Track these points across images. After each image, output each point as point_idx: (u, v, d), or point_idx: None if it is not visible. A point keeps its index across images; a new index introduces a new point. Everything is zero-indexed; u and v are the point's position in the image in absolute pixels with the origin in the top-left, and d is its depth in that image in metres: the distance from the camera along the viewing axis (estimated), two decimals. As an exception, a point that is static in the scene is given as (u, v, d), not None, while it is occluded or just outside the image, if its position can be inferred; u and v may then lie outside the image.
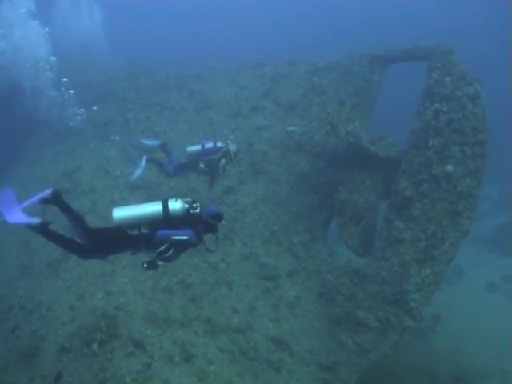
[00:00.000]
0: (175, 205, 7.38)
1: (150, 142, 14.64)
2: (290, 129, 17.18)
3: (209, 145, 13.38)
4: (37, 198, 7.08)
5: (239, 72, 21.12)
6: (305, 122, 17.50)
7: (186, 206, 7.49)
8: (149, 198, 14.76)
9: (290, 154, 16.87)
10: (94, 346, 10.44)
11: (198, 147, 13.42)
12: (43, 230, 7.01)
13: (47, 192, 7.15)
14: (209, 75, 20.76)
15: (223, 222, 7.75)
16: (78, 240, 7.39)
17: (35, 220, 6.93)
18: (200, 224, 7.49)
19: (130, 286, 12.31)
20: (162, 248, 7.32)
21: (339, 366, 11.99)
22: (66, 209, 7.28)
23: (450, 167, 13.03)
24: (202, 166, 13.32)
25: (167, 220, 7.37)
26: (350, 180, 15.21)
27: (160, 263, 7.51)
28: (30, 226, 6.91)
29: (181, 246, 7.41)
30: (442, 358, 16.01)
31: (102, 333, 10.63)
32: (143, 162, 13.97)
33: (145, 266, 7.45)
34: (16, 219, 6.80)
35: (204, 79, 21.03)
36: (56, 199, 7.21)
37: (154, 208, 7.40)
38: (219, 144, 13.40)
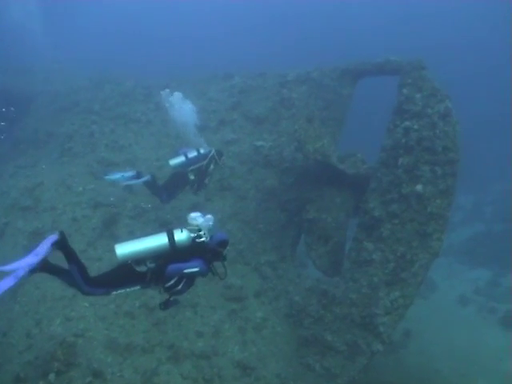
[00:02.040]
0: (181, 235, 7.21)
1: (119, 175, 13.07)
2: (259, 143, 16.86)
3: (192, 153, 12.97)
4: (45, 247, 6.72)
5: (208, 83, 20.70)
6: (273, 136, 17.20)
7: (192, 235, 7.32)
8: (112, 217, 14.59)
9: (258, 170, 16.57)
10: (51, 376, 10.00)
11: (181, 158, 12.90)
12: (46, 267, 6.74)
13: (52, 238, 6.85)
14: (176, 86, 20.36)
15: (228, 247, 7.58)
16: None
17: (35, 259, 6.59)
18: (207, 252, 7.33)
19: (90, 310, 11.86)
20: (172, 282, 7.13)
21: (307, 391, 11.76)
22: (71, 254, 7.06)
23: (419, 187, 12.80)
24: (192, 177, 12.92)
25: (174, 251, 7.15)
26: (319, 198, 14.95)
27: (173, 299, 7.36)
28: (32, 269, 6.52)
29: (191, 278, 7.23)
30: (412, 374, 15.82)
31: (58, 362, 10.17)
32: (143, 179, 12.89)
33: (162, 307, 7.41)
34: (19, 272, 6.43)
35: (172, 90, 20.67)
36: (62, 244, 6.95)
37: (159, 241, 7.20)
38: (202, 150, 13.12)
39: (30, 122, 20.55)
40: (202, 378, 11.07)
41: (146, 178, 12.85)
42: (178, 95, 14.66)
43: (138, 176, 12.92)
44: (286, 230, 15.57)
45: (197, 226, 7.57)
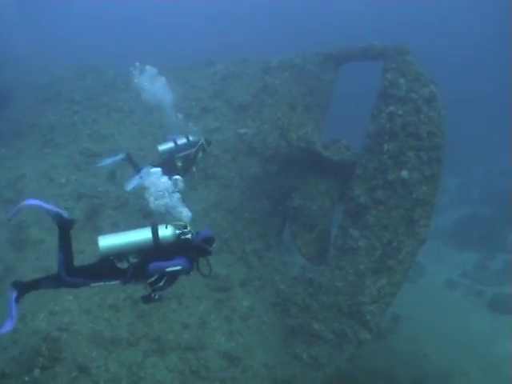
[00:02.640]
0: (166, 232, 7.07)
1: (110, 161, 13.09)
2: (242, 131, 16.75)
3: (181, 140, 12.77)
4: (53, 210, 7.11)
5: (190, 71, 20.50)
6: (257, 123, 17.07)
7: (177, 231, 7.15)
8: (95, 209, 14.42)
9: (242, 158, 16.47)
10: (36, 372, 9.85)
11: (170, 144, 12.66)
12: (23, 288, 6.87)
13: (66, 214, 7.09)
14: (158, 73, 20.20)
15: (214, 245, 7.40)
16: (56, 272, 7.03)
17: (13, 294, 6.78)
18: (192, 249, 7.16)
19: (74, 303, 11.71)
20: (153, 278, 6.96)
21: (295, 380, 11.73)
22: (68, 240, 7.07)
23: (405, 173, 12.72)
24: (179, 163, 12.59)
25: (157, 247, 7.01)
26: (304, 185, 14.83)
27: (157, 296, 7.17)
28: (17, 299, 6.75)
29: (174, 276, 7.04)
30: (401, 360, 15.80)
31: (43, 358, 10.04)
32: (119, 157, 12.81)
33: (144, 301, 7.25)
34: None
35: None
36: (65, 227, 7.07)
37: (142, 236, 7.04)
38: (191, 138, 12.94)
39: (12, 113, 20.23)
40: (189, 370, 10.97)
41: (121, 155, 12.78)
42: (150, 70, 14.43)
43: (128, 158, 12.83)
44: (270, 218, 15.50)
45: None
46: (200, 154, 12.97)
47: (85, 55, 23.83)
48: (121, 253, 7.02)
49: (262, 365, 11.88)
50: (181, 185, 12.05)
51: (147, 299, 7.22)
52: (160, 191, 8.66)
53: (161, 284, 6.98)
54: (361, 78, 29.92)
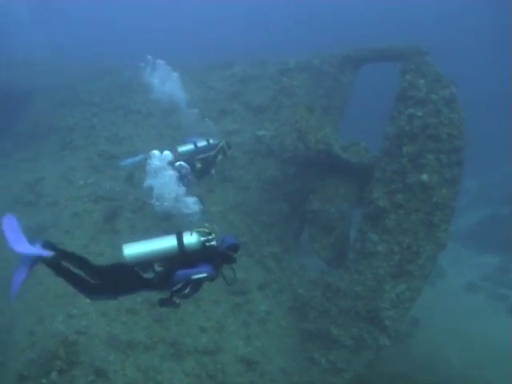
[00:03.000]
0: (191, 239, 6.98)
1: (131, 160, 13.36)
2: (260, 133, 16.68)
3: (202, 143, 12.85)
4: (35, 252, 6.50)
5: (208, 72, 20.48)
6: (275, 125, 17.00)
7: (202, 238, 7.06)
8: (113, 211, 14.43)
9: (260, 160, 16.41)
10: (53, 374, 9.88)
11: (190, 146, 12.72)
12: (55, 264, 6.61)
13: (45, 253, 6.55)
14: (178, 76, 20.19)
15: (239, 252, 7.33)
16: (88, 279, 6.94)
17: (47, 252, 6.49)
18: (217, 256, 7.10)
19: (92, 307, 11.70)
20: (179, 286, 6.88)
21: (313, 386, 11.63)
22: (65, 272, 6.81)
23: (425, 176, 12.59)
24: (198, 165, 12.67)
25: (182, 255, 6.94)
26: (322, 188, 14.74)
27: (178, 301, 7.10)
28: (41, 258, 6.43)
29: (199, 283, 7.03)
30: (421, 364, 15.58)
31: (61, 361, 10.06)
32: (140, 157, 12.88)
33: (161, 303, 7.11)
34: (26, 249, 6.37)
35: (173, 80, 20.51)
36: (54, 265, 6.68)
37: (167, 243, 6.96)
38: (212, 141, 13.02)
39: (31, 115, 20.36)
40: (206, 375, 10.93)
41: (142, 155, 12.74)
42: (161, 64, 14.49)
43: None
44: (288, 221, 15.42)
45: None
46: (220, 157, 13.05)
47: (100, 56, 23.89)
48: (146, 261, 6.95)
49: (279, 369, 11.79)
50: (184, 171, 12.15)
51: (166, 303, 7.16)
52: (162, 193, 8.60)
53: (186, 291, 6.92)
54: (378, 78, 29.64)
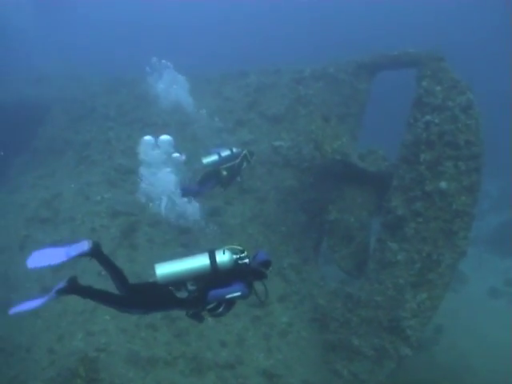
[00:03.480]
0: (223, 257, 6.86)
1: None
2: (277, 144, 16.60)
3: (225, 152, 13.23)
4: (74, 252, 6.58)
5: (223, 82, 20.45)
6: (291, 135, 16.89)
7: (235, 256, 6.97)
8: (132, 226, 14.41)
9: (277, 171, 16.32)
10: (74, 393, 9.86)
11: (214, 157, 13.13)
12: (73, 288, 6.60)
13: (86, 246, 6.64)
14: (192, 86, 20.18)
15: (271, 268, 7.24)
16: (116, 292, 6.95)
17: (61, 283, 6.51)
18: (249, 273, 7.00)
19: (111, 323, 11.66)
20: (212, 305, 6.87)
21: (335, 398, 11.52)
22: (106, 263, 6.88)
23: (443, 184, 12.45)
24: (224, 173, 13.09)
25: (215, 273, 6.86)
26: (340, 198, 14.66)
27: (209, 318, 7.16)
28: (59, 292, 6.47)
29: (232, 302, 6.95)
30: (444, 371, 15.46)
31: (81, 379, 10.02)
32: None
33: (189, 314, 7.11)
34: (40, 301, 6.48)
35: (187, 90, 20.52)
36: (96, 253, 6.75)
37: (200, 262, 6.88)
38: (235, 150, 13.41)
39: (48, 130, 20.44)
40: (227, 389, 10.86)
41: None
42: (167, 66, 14.68)
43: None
44: (307, 231, 15.31)
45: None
46: (244, 165, 13.43)
47: (114, 67, 23.96)
48: (178, 280, 6.90)
49: (301, 382, 11.66)
50: (179, 161, 12.32)
51: (195, 316, 7.13)
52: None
53: (220, 310, 6.89)
54: (394, 84, 29.41)
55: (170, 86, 14.89)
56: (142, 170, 12.66)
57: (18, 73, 24.04)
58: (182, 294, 6.91)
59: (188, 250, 13.85)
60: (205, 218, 14.89)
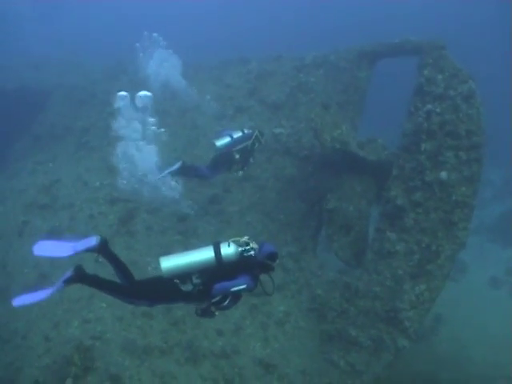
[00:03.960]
0: (228, 250, 6.88)
1: (168, 172, 13.37)
2: (277, 131, 16.50)
3: (237, 134, 13.24)
4: (82, 246, 6.68)
5: (224, 68, 20.36)
6: (292, 122, 16.77)
7: (240, 249, 6.96)
8: (130, 213, 14.33)
9: (277, 158, 16.20)
10: (68, 381, 9.75)
11: (226, 139, 13.12)
12: (80, 277, 6.63)
13: (93, 241, 6.71)
14: (193, 73, 19.99)
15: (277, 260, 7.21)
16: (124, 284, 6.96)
17: (68, 273, 6.56)
18: (255, 266, 6.99)
19: (108, 311, 11.59)
20: (218, 298, 6.86)
21: (332, 388, 11.45)
22: (112, 259, 6.92)
23: (443, 174, 12.33)
24: (237, 156, 13.13)
25: (220, 266, 6.84)
26: (339, 186, 14.51)
27: (216, 312, 7.09)
28: (66, 281, 6.53)
29: (238, 295, 7.00)
30: (443, 362, 15.44)
31: (76, 367, 9.97)
32: (176, 166, 13.18)
33: (199, 313, 7.12)
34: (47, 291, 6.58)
35: (188, 78, 20.36)
36: (103, 249, 6.79)
37: (205, 255, 6.89)
38: (246, 131, 13.43)
39: (48, 116, 20.38)
40: (223, 379, 10.78)
41: (178, 164, 13.09)
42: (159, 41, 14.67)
43: (184, 165, 13.20)
44: (306, 220, 15.18)
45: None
46: (256, 145, 13.48)
47: (115, 52, 23.83)
48: (183, 273, 6.87)
49: (298, 372, 11.61)
50: (144, 102, 12.39)
51: (205, 313, 7.11)
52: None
53: (225, 303, 6.89)
54: (396, 71, 29.13)
55: (161, 65, 14.84)
56: (120, 147, 12.67)
57: (18, 58, 23.97)
58: (187, 287, 6.88)
59: (185, 238, 13.86)
60: (204, 206, 14.91)
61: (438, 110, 12.94)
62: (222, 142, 13.05)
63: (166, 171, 12.94)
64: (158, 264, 6.87)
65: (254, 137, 13.33)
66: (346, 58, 17.64)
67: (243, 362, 11.32)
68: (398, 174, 13.24)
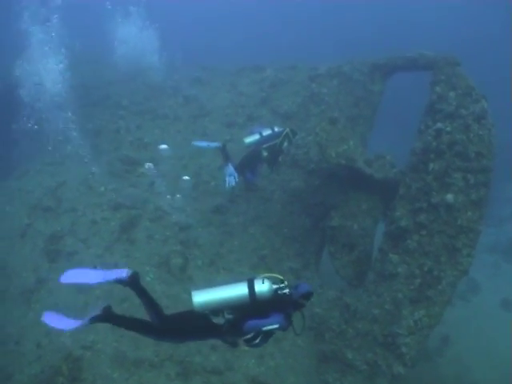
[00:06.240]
0: (262, 287, 6.65)
1: (205, 144, 14.21)
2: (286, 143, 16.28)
3: (267, 131, 13.50)
4: (112, 276, 6.53)
5: (239, 75, 20.24)
6: (302, 134, 16.47)
7: (274, 287, 6.76)
8: (132, 221, 14.17)
9: (285, 170, 15.91)
10: (55, 391, 9.72)
11: (256, 136, 13.36)
12: (108, 316, 6.60)
13: (124, 273, 6.55)
14: (207, 79, 19.82)
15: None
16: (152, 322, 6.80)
17: (96, 311, 6.53)
18: (289, 305, 6.80)
19: (101, 321, 11.49)
20: (250, 336, 6.63)
21: (326, 411, 11.26)
22: (142, 293, 6.72)
23: (450, 197, 12.03)
24: (265, 153, 13.31)
25: (253, 303, 6.64)
26: (344, 203, 14.26)
27: (246, 348, 6.90)
28: (93, 320, 6.50)
29: (270, 333, 6.74)
30: (447, 384, 15.12)
31: (63, 377, 9.90)
32: (215, 144, 13.76)
33: (231, 346, 6.99)
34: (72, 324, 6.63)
35: (202, 83, 20.21)
36: (133, 283, 6.63)
37: (238, 291, 6.68)
38: (276, 129, 13.55)
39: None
40: (212, 396, 10.60)
41: (218, 143, 13.73)
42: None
43: (223, 148, 13.53)
44: (310, 235, 14.95)
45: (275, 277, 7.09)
46: (286, 144, 13.49)
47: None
48: (215, 309, 6.69)
49: (291, 392, 11.39)
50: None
51: (234, 346, 6.97)
52: None
53: (257, 341, 6.66)
54: (409, 86, 28.67)
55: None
56: None
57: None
58: (219, 320, 6.70)
59: (185, 248, 13.66)
60: (207, 216, 14.77)
61: (448, 128, 12.64)
62: (250, 139, 13.30)
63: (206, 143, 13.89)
64: (190, 297, 6.67)
65: (283, 135, 13.34)
66: (360, 69, 17.33)
67: (235, 380, 11.09)
68: (404, 193, 12.99)
